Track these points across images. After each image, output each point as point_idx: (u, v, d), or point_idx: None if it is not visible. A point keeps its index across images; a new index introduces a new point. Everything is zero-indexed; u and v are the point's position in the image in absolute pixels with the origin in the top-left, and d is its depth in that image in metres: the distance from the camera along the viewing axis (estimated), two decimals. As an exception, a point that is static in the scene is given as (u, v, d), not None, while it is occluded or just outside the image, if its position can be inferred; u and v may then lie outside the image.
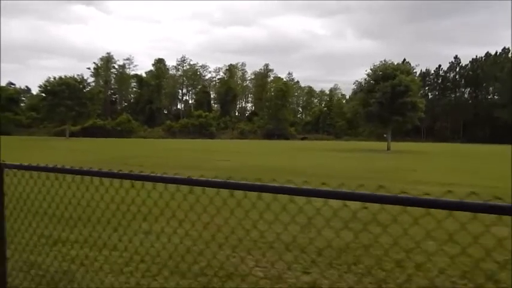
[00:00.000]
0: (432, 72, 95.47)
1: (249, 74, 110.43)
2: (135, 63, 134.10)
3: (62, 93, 57.09)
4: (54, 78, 60.03)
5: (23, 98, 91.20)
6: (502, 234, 2.64)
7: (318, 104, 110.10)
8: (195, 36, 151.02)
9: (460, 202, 1.52)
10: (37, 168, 2.94)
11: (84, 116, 62.80)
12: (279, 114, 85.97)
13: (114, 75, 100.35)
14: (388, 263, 4.48)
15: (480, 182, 12.83)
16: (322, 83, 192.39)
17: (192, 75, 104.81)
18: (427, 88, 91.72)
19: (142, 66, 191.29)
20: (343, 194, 1.75)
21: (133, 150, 32.81)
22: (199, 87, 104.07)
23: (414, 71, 45.56)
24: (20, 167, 2.97)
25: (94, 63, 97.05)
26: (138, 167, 16.66)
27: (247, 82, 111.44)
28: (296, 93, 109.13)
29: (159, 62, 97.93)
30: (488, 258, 2.55)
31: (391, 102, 37.17)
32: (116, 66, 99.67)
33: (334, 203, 1.85)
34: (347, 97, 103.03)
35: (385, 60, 40.34)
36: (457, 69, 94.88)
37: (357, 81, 43.85)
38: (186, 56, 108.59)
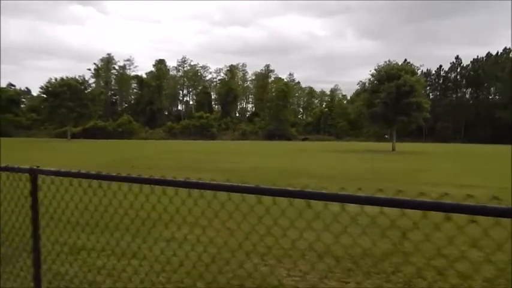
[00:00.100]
0: (433, 72, 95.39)
1: (250, 75, 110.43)
2: (135, 64, 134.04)
3: (64, 94, 56.87)
4: (56, 79, 59.87)
5: (23, 100, 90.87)
6: None
7: (318, 104, 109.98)
8: (195, 37, 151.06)
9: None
10: (71, 175, 2.72)
11: (85, 117, 62.60)
12: (280, 114, 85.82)
13: (114, 76, 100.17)
14: (429, 272, 4.27)
15: (494, 183, 12.63)
16: (321, 84, 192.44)
17: (193, 76, 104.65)
18: (428, 88, 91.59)
19: (142, 67, 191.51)
20: (383, 200, 1.66)
21: (137, 152, 32.60)
22: (200, 88, 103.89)
23: (419, 70, 45.39)
24: (54, 173, 2.76)
25: (94, 64, 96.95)
26: (146, 170, 16.45)
27: (248, 83, 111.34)
28: (297, 94, 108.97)
29: (160, 63, 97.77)
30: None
31: (396, 102, 37.00)
32: (116, 67, 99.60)
33: (369, 209, 1.76)
34: (348, 98, 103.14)
35: (389, 61, 40.24)
36: (458, 70, 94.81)
37: (360, 81, 43.71)
38: (187, 57, 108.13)
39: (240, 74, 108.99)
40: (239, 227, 5.45)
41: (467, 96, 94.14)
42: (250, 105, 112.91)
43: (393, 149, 39.04)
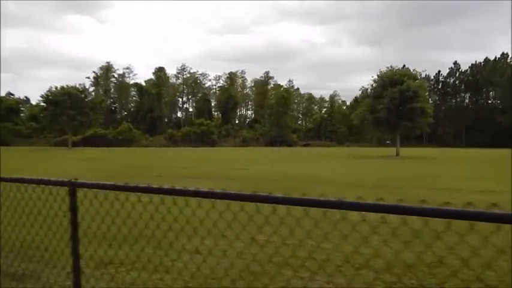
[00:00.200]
0: (432, 77, 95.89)
1: (249, 82, 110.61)
2: (134, 72, 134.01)
3: (64, 102, 56.69)
4: (56, 87, 59.69)
5: (22, 109, 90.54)
6: None
7: (318, 110, 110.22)
8: (193, 45, 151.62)
9: None
10: (108, 187, 2.54)
11: (85, 126, 62.37)
12: (281, 121, 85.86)
13: (114, 84, 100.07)
14: (478, 284, 4.08)
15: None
16: (319, 90, 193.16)
17: (192, 83, 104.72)
18: (427, 94, 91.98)
19: (140, 76, 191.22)
20: (427, 210, 1.60)
21: (142, 159, 32.34)
22: (200, 95, 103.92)
23: (422, 76, 45.51)
24: (91, 186, 2.58)
25: (94, 72, 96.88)
26: (156, 178, 16.26)
27: (247, 90, 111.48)
28: (296, 100, 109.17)
29: (160, 71, 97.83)
30: None
31: (400, 107, 37.02)
32: (116, 75, 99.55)
33: (410, 220, 1.73)
34: (347, 103, 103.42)
35: (391, 66, 40.34)
36: (457, 75, 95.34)
37: (363, 87, 43.75)
38: (186, 65, 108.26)
39: (239, 81, 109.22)
40: (268, 240, 5.23)
41: (466, 101, 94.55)
42: (249, 112, 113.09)
43: (397, 154, 38.99)
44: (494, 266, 4.15)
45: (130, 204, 2.74)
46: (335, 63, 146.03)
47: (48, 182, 2.58)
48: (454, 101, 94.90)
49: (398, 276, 4.28)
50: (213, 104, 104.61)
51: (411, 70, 42.85)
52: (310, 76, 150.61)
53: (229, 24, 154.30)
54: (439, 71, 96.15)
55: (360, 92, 46.58)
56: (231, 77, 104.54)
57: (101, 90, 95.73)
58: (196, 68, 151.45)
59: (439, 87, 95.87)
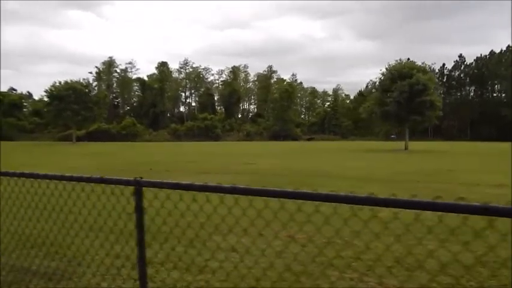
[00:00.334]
0: (437, 71, 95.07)
1: (252, 76, 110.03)
2: (136, 67, 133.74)
3: (69, 97, 56.47)
4: (60, 82, 59.47)
5: (25, 104, 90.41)
6: None
7: (321, 104, 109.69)
8: (194, 40, 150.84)
9: None
10: (171, 186, 2.25)
11: (90, 120, 62.21)
12: (284, 115, 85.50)
13: (116, 79, 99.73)
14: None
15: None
16: (321, 84, 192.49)
17: (195, 77, 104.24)
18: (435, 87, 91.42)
19: (142, 71, 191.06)
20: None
21: (149, 154, 32.11)
22: (202, 89, 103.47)
23: (432, 69, 44.97)
24: (156, 185, 2.28)
25: (96, 67, 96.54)
26: (166, 173, 16.00)
27: (250, 84, 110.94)
28: (299, 94, 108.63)
29: (162, 65, 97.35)
30: None
31: (409, 101, 36.58)
32: (118, 70, 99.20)
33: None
34: (351, 97, 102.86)
35: (400, 59, 39.81)
36: (462, 68, 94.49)
37: (371, 80, 43.28)
38: (189, 59, 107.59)
39: (242, 75, 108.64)
40: (310, 239, 4.93)
41: (471, 94, 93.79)
42: (252, 107, 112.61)
43: (406, 148, 38.62)
44: None
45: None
46: (336, 57, 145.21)
47: (113, 181, 2.29)
48: (459, 94, 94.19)
49: (456, 277, 4.00)
50: (216, 99, 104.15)
51: (424, 62, 42.29)
52: (311, 70, 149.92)
53: (229, 19, 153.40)
54: (444, 64, 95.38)
55: (365, 85, 45.97)
56: (234, 71, 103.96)
57: (103, 85, 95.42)
58: (197, 62, 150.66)
59: (444, 80, 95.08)
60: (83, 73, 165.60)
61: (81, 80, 61.84)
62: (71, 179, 2.53)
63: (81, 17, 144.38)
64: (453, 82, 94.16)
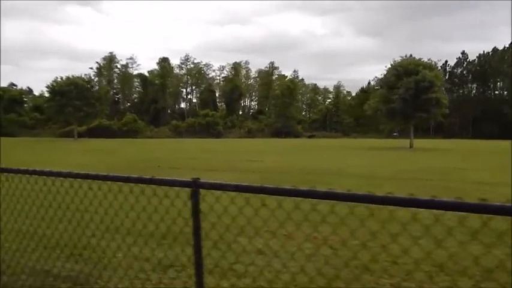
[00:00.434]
0: (439, 68, 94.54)
1: (253, 73, 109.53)
2: (137, 63, 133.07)
3: (70, 93, 56.09)
4: (61, 78, 59.03)
5: (25, 99, 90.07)
6: None
7: (322, 101, 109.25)
8: (194, 36, 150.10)
9: None
10: (230, 187, 2.06)
11: (91, 116, 61.87)
12: (286, 112, 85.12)
13: (117, 75, 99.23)
14: None
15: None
16: (320, 81, 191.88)
17: (196, 73, 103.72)
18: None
19: (143, 67, 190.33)
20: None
21: (151, 151, 31.91)
22: (204, 86, 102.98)
23: (438, 66, 44.60)
24: (215, 186, 2.08)
25: (97, 62, 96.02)
26: (173, 170, 15.80)
27: (251, 80, 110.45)
28: (300, 91, 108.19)
29: (164, 61, 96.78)
30: None
31: (415, 98, 36.21)
32: (119, 66, 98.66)
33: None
34: (353, 94, 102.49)
35: (405, 56, 39.38)
36: (464, 65, 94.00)
37: (376, 77, 42.92)
38: (190, 55, 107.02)
39: (244, 72, 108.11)
40: (344, 244, 4.72)
41: (473, 92, 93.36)
42: (253, 103, 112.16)
43: (411, 146, 38.34)
44: None
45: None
46: (336, 54, 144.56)
47: (170, 182, 2.07)
48: (461, 91, 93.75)
49: (501, 284, 3.79)
50: (217, 95, 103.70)
51: (430, 59, 41.88)
52: (311, 67, 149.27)
53: (230, 15, 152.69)
54: (446, 61, 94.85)
55: (368, 82, 45.60)
56: (236, 67, 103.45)
57: (104, 81, 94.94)
58: (198, 58, 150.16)
59: (446, 77, 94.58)
60: (84, 69, 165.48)
61: (83, 76, 61.53)
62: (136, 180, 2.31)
63: (82, 13, 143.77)
64: (455, 79, 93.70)
